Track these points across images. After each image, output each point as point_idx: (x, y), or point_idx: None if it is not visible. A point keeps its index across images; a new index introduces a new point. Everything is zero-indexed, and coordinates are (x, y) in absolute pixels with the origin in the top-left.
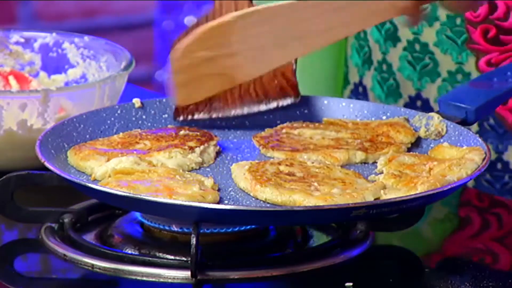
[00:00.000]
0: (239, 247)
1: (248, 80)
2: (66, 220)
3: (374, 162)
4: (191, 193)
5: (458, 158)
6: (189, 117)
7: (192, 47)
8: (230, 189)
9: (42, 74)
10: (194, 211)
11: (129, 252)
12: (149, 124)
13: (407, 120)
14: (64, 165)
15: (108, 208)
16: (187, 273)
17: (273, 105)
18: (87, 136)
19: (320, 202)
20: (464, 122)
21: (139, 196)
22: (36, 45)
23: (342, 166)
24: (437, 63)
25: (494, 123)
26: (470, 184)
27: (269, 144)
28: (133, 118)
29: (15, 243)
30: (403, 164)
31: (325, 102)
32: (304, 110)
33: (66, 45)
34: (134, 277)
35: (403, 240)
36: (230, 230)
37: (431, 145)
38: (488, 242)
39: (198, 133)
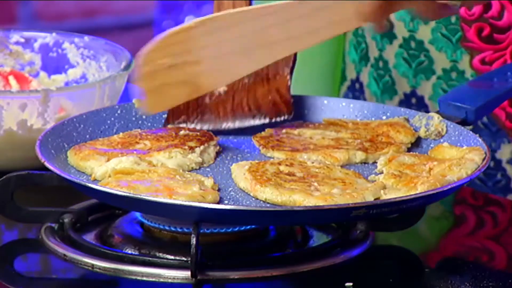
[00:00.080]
0: (239, 247)
1: (214, 89)
2: (66, 220)
3: (374, 162)
4: (191, 193)
5: (458, 158)
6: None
7: (154, 54)
8: (230, 189)
9: (42, 74)
10: (194, 211)
11: (129, 252)
12: (149, 124)
13: (407, 120)
14: (64, 165)
15: (108, 208)
16: (187, 273)
17: (265, 120)
18: (87, 136)
19: (320, 202)
20: (464, 122)
21: (139, 196)
22: (36, 45)
23: (342, 166)
24: (432, 61)
25: (488, 121)
26: None
27: (269, 144)
28: (133, 118)
29: (15, 243)
30: (403, 164)
31: (325, 102)
32: (304, 110)
33: (66, 45)
34: (134, 277)
35: (403, 240)
36: (230, 230)
37: (431, 145)
38: (486, 241)
39: (198, 133)
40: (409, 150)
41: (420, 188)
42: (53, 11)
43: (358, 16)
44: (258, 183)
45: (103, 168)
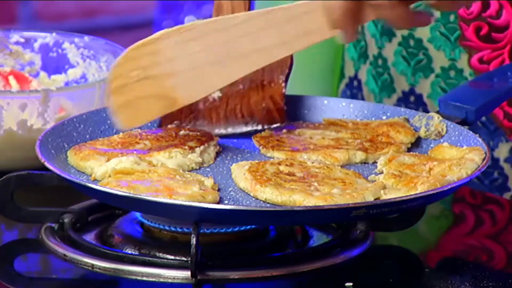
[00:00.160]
0: (239, 247)
1: (191, 102)
2: (66, 220)
3: (374, 162)
4: (191, 193)
5: (458, 158)
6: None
7: (122, 67)
8: (230, 189)
9: (42, 74)
10: (194, 211)
11: (129, 252)
12: (149, 124)
13: (407, 120)
14: (64, 165)
15: (108, 208)
16: (187, 273)
17: (257, 127)
18: (87, 136)
19: (320, 202)
20: (464, 122)
21: (139, 196)
22: (36, 45)
23: (342, 166)
24: (431, 59)
25: (485, 119)
26: None
27: (269, 144)
28: None
29: (15, 243)
30: (403, 164)
31: (325, 102)
32: (304, 110)
33: (66, 45)
34: (134, 277)
35: (402, 240)
36: (230, 230)
37: (431, 145)
38: (485, 240)
39: (198, 133)
40: (409, 150)
41: (420, 188)
42: (53, 11)
43: (327, 26)
44: (258, 183)
45: (103, 168)
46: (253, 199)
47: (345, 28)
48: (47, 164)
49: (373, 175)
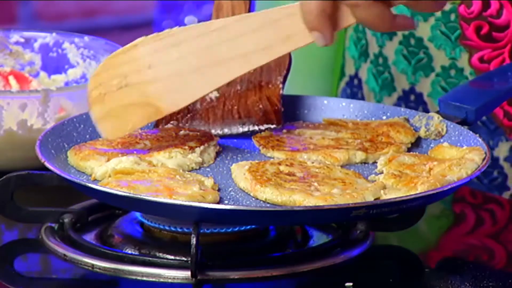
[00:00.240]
0: (239, 247)
1: (176, 110)
2: (66, 220)
3: (374, 162)
4: (191, 193)
5: (458, 158)
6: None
7: (102, 76)
8: (230, 189)
9: (42, 74)
10: (194, 211)
11: (129, 252)
12: (149, 124)
13: (407, 120)
14: (64, 165)
15: (108, 208)
16: (187, 273)
17: (254, 128)
18: (87, 136)
19: (320, 202)
20: (464, 122)
21: (139, 196)
22: (36, 45)
23: (342, 166)
24: (431, 58)
25: (485, 119)
26: None
27: (269, 144)
28: None
29: (15, 243)
30: (403, 164)
31: (325, 102)
32: (304, 110)
33: (66, 45)
34: (134, 277)
35: (402, 240)
36: (230, 230)
37: (431, 145)
38: (485, 239)
39: (198, 133)
40: (409, 150)
41: (420, 188)
42: (53, 11)
43: (306, 26)
44: (258, 183)
45: (103, 168)
46: (253, 199)
47: (322, 30)
48: (47, 164)
49: (373, 175)
